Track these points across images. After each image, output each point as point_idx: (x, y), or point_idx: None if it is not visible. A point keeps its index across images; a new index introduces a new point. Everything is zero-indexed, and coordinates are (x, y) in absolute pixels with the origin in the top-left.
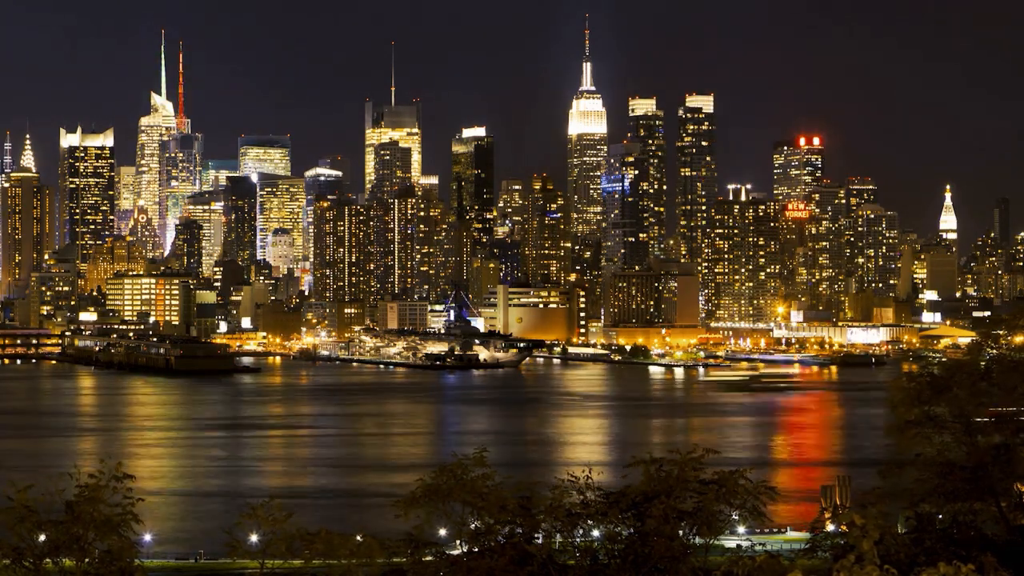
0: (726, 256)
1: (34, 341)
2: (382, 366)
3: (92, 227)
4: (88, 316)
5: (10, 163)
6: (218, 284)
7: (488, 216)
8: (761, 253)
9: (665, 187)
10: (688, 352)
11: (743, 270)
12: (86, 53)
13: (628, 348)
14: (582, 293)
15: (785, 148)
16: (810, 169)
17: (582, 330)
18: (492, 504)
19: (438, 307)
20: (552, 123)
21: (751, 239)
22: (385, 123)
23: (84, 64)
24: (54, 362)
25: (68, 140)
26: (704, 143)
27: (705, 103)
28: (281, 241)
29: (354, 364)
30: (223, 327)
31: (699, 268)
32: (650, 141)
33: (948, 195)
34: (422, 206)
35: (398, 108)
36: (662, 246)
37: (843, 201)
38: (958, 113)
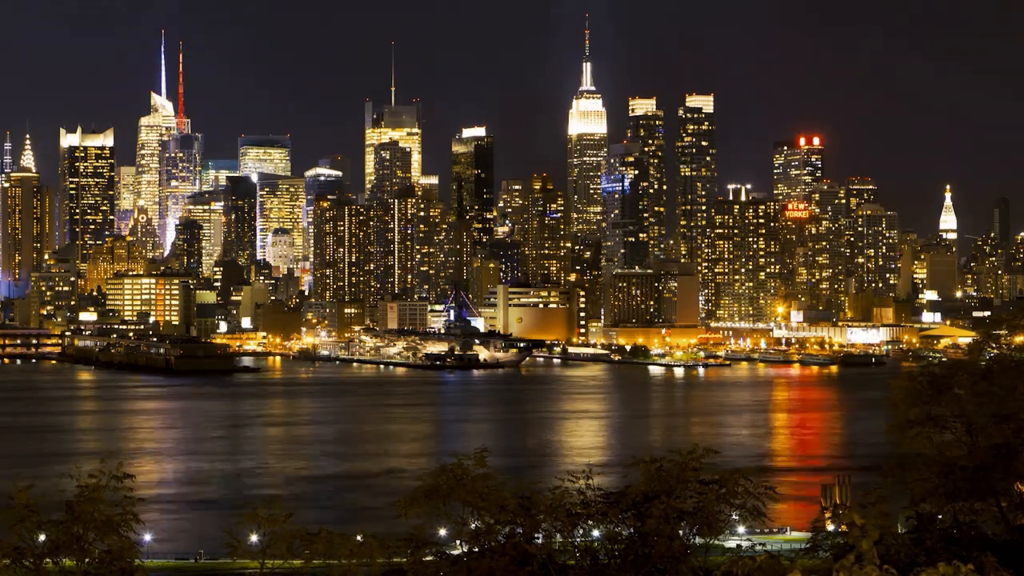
0: (726, 256)
1: (34, 341)
2: (382, 366)
3: (92, 227)
4: (88, 316)
5: (10, 163)
6: (218, 284)
7: (488, 216)
8: (761, 253)
9: (665, 187)
10: (688, 352)
11: (743, 270)
12: (86, 53)
13: (628, 348)
14: (582, 293)
15: (785, 148)
16: (810, 169)
17: (582, 330)
18: (492, 504)
19: (438, 307)
20: (552, 123)
21: (751, 239)
22: (385, 123)
23: (84, 64)
24: (54, 362)
25: (68, 140)
26: (704, 143)
27: (705, 103)
28: (281, 241)
29: (354, 364)
30: (223, 327)
31: (699, 268)
32: (650, 141)
33: (948, 195)
34: (422, 206)
35: (398, 108)
36: (662, 246)
37: (843, 201)
38: (958, 113)
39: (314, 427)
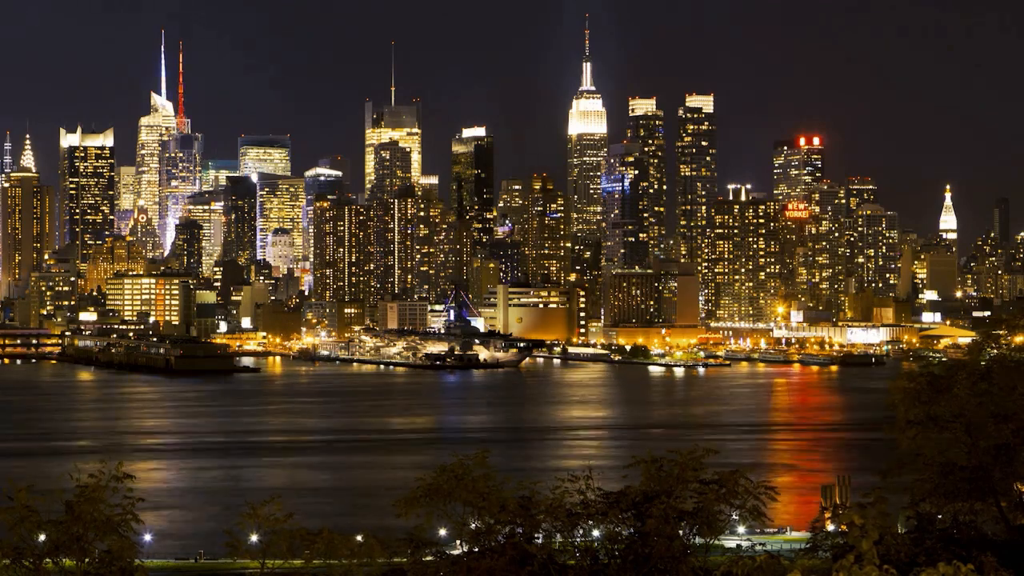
0: (726, 256)
1: (34, 341)
2: (382, 366)
3: (92, 227)
4: (88, 316)
5: (10, 163)
6: (218, 284)
7: (488, 216)
8: (761, 253)
9: (665, 187)
10: (688, 352)
11: (743, 270)
12: (86, 53)
13: (628, 348)
14: (582, 293)
15: (785, 148)
16: (810, 169)
17: (582, 330)
18: (492, 504)
19: (438, 307)
20: (552, 123)
21: (751, 239)
22: (385, 123)
23: (84, 64)
24: (54, 362)
25: (68, 140)
26: (704, 143)
27: (705, 103)
28: (281, 241)
29: (354, 364)
30: (223, 327)
31: (699, 268)
32: (650, 141)
33: (948, 195)
34: (422, 206)
35: (398, 108)
36: (662, 246)
37: (843, 201)
38: (958, 113)
39: (314, 426)
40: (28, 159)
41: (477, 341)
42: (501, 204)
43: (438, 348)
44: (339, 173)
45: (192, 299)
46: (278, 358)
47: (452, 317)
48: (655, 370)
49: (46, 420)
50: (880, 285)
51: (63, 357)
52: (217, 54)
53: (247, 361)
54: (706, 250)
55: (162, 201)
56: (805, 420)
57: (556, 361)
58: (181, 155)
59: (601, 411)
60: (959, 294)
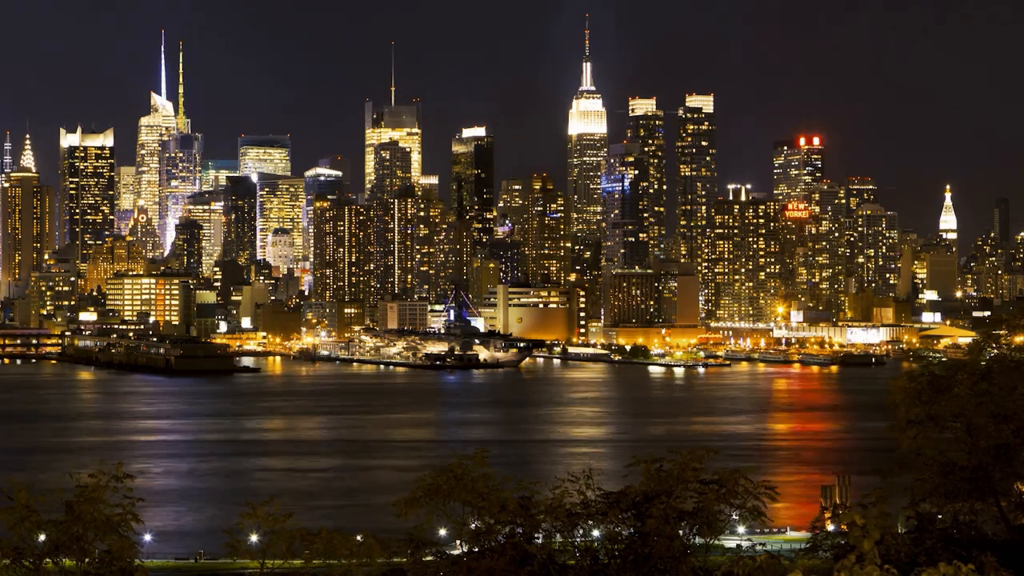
0: (726, 256)
1: (34, 341)
2: (382, 366)
3: (92, 227)
4: (88, 316)
5: (10, 163)
6: (218, 284)
7: (488, 216)
8: (761, 253)
9: (665, 187)
10: (688, 352)
11: (743, 270)
12: (86, 53)
13: (628, 348)
14: (582, 293)
15: (785, 148)
16: (810, 169)
17: (582, 330)
18: (492, 504)
19: (438, 307)
20: (552, 123)
21: (751, 239)
22: (385, 123)
23: (84, 64)
24: (54, 362)
25: (68, 140)
26: (704, 143)
27: (705, 103)
28: (281, 241)
29: (354, 364)
30: (223, 327)
31: (699, 268)
32: (650, 141)
33: (948, 195)
34: (422, 206)
35: (398, 108)
36: (662, 246)
37: (843, 201)
38: (958, 112)
39: (314, 426)
40: (28, 159)
41: (477, 341)
42: (501, 204)
43: (438, 348)
44: (339, 173)
45: (192, 299)
46: (278, 358)
47: (452, 317)
48: (655, 370)
49: (45, 419)
50: (880, 285)
51: (63, 357)
52: (217, 54)
53: (247, 361)
54: (706, 250)
55: (162, 201)
56: (805, 420)
57: (556, 361)
58: (181, 155)
59: (601, 410)
60: (959, 294)
